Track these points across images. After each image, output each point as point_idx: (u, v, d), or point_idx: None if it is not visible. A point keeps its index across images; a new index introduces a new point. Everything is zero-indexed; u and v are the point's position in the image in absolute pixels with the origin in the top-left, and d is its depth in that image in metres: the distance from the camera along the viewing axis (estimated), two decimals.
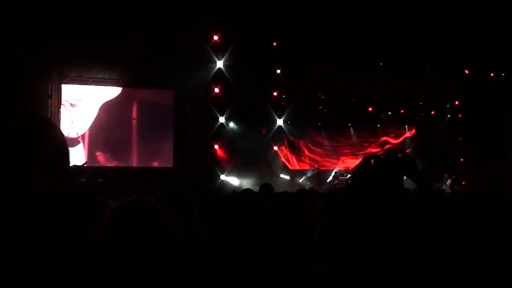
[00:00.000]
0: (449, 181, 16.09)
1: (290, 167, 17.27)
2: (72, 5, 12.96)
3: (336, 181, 16.55)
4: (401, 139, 18.80)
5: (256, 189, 5.87)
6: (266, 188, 5.62)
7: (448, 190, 14.79)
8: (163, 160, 15.14)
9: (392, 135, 18.75)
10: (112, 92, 14.93)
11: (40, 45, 12.76)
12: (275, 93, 16.53)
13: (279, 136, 16.75)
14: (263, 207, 3.41)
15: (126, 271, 1.64)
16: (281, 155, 16.95)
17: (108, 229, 1.69)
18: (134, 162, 14.89)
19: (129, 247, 1.65)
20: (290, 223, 3.04)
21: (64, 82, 14.46)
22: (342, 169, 17.28)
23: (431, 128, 18.25)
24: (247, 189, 5.12)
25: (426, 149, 17.71)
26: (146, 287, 1.64)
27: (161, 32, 13.74)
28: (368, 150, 18.14)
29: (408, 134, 18.90)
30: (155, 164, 15.07)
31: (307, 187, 14.64)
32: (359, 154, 18.04)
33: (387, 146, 17.94)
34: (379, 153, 1.86)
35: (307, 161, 17.71)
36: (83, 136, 14.46)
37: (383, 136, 18.66)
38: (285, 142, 17.16)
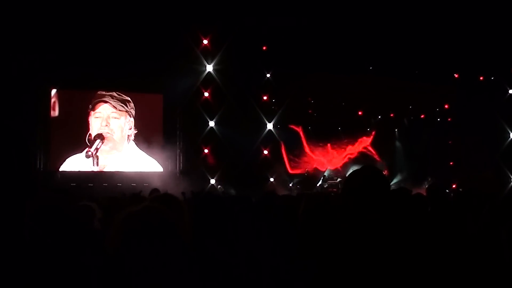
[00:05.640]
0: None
1: (280, 171, 17.20)
2: (61, 9, 12.87)
3: (326, 185, 16.52)
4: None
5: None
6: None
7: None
8: (153, 164, 15.02)
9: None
10: None
11: (28, 49, 12.64)
12: (265, 97, 16.50)
13: (269, 140, 16.69)
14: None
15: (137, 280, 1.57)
16: (271, 159, 16.87)
17: (119, 237, 1.62)
18: (124, 166, 14.74)
19: (142, 255, 1.58)
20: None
21: (53, 86, 14.35)
22: (333, 170, 17.27)
23: (421, 132, 18.24)
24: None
25: (414, 153, 17.80)
26: None
27: (150, 36, 13.68)
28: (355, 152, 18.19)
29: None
30: (145, 168, 14.91)
31: (296, 191, 14.62)
32: (348, 158, 18.06)
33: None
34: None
35: (297, 165, 17.66)
36: None
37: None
38: (275, 146, 17.09)
